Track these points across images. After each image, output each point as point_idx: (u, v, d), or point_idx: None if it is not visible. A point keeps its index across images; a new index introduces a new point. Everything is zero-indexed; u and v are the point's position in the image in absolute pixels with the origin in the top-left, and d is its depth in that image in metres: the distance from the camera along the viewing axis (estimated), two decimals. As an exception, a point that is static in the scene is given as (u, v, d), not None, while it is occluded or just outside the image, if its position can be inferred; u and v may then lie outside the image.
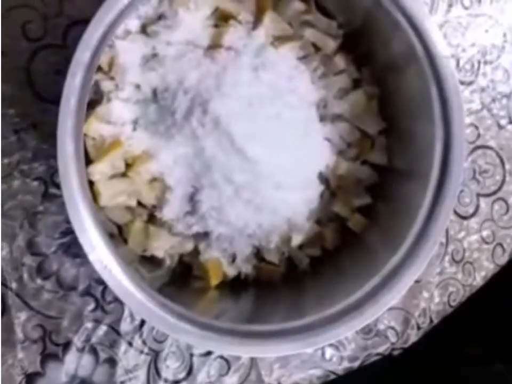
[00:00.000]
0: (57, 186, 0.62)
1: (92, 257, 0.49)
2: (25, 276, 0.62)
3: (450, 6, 0.69)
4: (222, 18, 0.59)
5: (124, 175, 0.57)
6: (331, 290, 0.57)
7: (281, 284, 0.62)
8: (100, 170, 0.56)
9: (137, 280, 0.50)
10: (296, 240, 0.61)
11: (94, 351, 0.64)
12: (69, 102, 0.48)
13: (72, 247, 0.63)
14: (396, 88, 0.60)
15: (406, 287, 0.53)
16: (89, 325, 0.63)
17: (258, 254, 0.62)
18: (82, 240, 0.48)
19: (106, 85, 0.57)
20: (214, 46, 0.58)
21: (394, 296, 0.53)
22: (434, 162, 0.54)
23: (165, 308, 0.51)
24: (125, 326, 0.64)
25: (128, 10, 0.49)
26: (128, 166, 0.57)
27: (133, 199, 0.58)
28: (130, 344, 0.64)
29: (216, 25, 0.59)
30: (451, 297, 0.70)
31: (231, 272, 0.62)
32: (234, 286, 0.62)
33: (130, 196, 0.58)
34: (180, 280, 0.61)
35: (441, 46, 0.53)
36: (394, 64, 0.58)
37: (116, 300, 0.63)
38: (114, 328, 0.64)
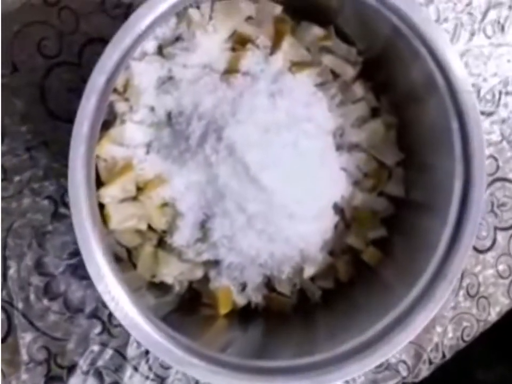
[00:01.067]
0: (67, 206, 0.60)
1: (99, 287, 0.48)
2: (32, 296, 0.61)
3: (472, 34, 0.67)
4: (239, 42, 0.58)
5: (135, 198, 0.56)
6: (344, 325, 0.56)
7: (292, 316, 0.61)
8: (110, 193, 0.55)
9: (144, 310, 0.49)
10: (309, 271, 0.60)
11: (99, 375, 0.63)
12: (82, 127, 0.47)
13: (80, 269, 0.62)
14: (415, 118, 0.59)
15: (422, 326, 0.51)
16: (95, 348, 0.62)
17: (269, 283, 0.61)
18: (90, 269, 0.47)
19: (120, 107, 0.56)
20: (230, 70, 0.57)
21: (409, 335, 0.51)
22: (454, 197, 0.52)
23: (172, 340, 0.49)
24: (131, 350, 0.63)
25: (146, 33, 0.48)
26: (139, 189, 0.56)
27: (143, 222, 0.57)
28: (136, 369, 0.63)
29: (233, 49, 0.58)
30: (465, 332, 0.68)
31: (240, 301, 0.60)
32: (243, 315, 0.60)
33: (140, 220, 0.57)
34: (188, 307, 0.60)
35: (463, 79, 0.51)
36: (414, 93, 0.57)
37: (123, 323, 0.62)
38: (120, 353, 0.63)
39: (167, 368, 0.64)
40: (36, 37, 0.60)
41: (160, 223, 0.57)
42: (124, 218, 0.56)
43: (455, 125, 0.52)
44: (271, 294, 0.61)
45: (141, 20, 0.48)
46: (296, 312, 0.61)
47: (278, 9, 0.59)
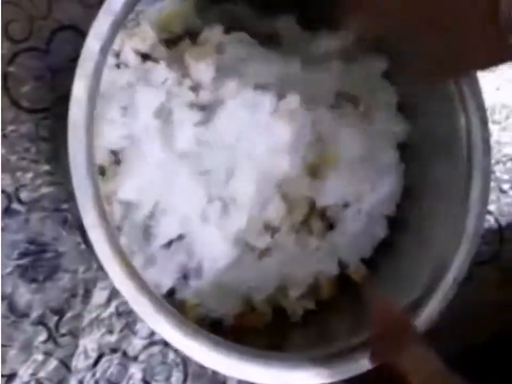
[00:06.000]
0: (22, 202, 0.57)
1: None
2: (-26, 296, 0.57)
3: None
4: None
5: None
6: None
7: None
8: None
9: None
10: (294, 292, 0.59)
11: (40, 386, 0.59)
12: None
13: (30, 271, 0.58)
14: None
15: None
16: (38, 357, 0.58)
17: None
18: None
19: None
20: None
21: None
22: None
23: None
24: (78, 362, 0.59)
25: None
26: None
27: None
28: (81, 383, 0.59)
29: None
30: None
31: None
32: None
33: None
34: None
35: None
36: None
37: (70, 333, 0.58)
38: (65, 364, 0.59)
39: (115, 383, 0.60)
40: (3, 19, 0.57)
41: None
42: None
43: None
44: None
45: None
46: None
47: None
